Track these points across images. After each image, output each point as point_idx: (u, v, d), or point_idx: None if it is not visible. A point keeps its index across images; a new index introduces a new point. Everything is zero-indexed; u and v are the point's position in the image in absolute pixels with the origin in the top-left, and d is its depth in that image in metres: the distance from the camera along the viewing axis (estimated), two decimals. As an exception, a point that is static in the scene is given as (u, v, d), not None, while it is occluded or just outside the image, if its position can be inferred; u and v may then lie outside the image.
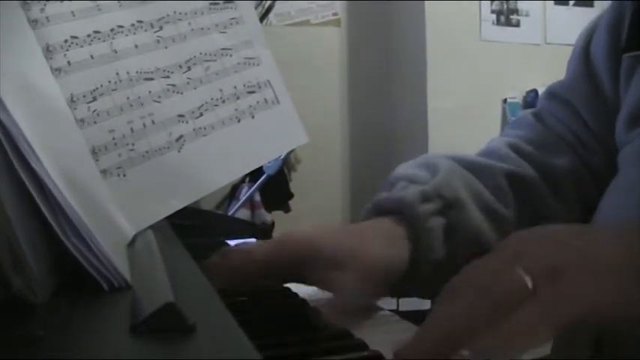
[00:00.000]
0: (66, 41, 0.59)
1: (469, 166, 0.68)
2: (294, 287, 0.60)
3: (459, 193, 0.64)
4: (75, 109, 0.58)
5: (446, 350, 0.37)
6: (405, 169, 0.69)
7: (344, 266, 0.54)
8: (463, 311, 0.38)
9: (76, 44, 0.60)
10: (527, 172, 0.70)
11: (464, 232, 0.63)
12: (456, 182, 0.65)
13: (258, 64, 0.74)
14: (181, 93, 0.66)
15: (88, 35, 0.61)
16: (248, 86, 0.72)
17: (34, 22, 0.57)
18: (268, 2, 2.55)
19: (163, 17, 0.67)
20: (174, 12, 0.68)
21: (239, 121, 0.70)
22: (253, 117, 0.71)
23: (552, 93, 0.77)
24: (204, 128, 0.67)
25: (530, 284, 0.37)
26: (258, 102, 0.72)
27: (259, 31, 0.76)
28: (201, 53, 0.69)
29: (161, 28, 0.67)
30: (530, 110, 0.79)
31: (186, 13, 0.69)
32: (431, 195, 0.62)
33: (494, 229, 0.65)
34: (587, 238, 0.42)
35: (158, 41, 0.66)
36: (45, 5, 0.58)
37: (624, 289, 0.38)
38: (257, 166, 0.75)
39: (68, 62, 0.59)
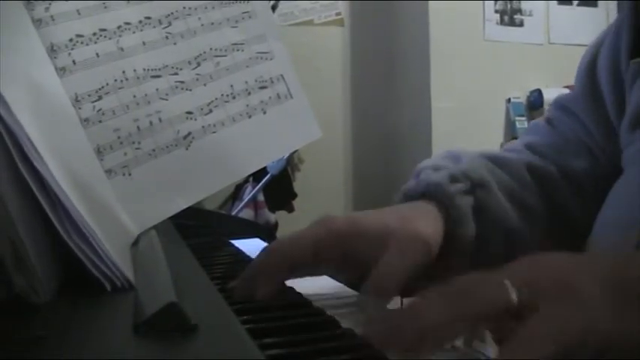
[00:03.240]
0: (71, 40, 0.59)
1: (492, 158, 0.70)
2: (296, 287, 0.60)
3: (485, 177, 0.65)
4: (79, 108, 0.58)
5: (409, 335, 0.37)
6: (429, 161, 0.70)
7: (388, 244, 0.54)
8: (437, 305, 0.38)
9: (82, 43, 0.60)
10: (547, 166, 0.71)
11: (491, 213, 0.64)
12: (481, 168, 0.66)
13: (271, 59, 0.72)
14: (190, 90, 0.66)
15: (94, 33, 0.61)
16: (260, 81, 0.71)
17: (38, 22, 0.57)
18: (272, 2, 2.55)
19: (172, 13, 0.67)
20: (184, 7, 0.67)
21: (250, 117, 0.69)
22: (265, 112, 0.70)
23: (560, 104, 0.79)
24: (214, 125, 0.66)
25: (514, 297, 0.37)
26: (270, 97, 0.71)
27: (273, 25, 0.74)
28: (211, 49, 0.68)
29: (170, 24, 0.66)
30: (541, 118, 0.81)
31: (196, 8, 0.68)
32: (459, 176, 0.64)
33: (520, 216, 0.67)
34: (586, 267, 0.42)
35: (167, 37, 0.66)
36: (50, 4, 0.58)
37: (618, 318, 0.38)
38: (269, 163, 0.75)
39: (73, 61, 0.59)
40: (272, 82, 0.72)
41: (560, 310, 0.37)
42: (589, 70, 0.74)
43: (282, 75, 0.72)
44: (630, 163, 0.64)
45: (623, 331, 0.38)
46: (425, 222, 0.60)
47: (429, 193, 0.63)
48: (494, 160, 0.70)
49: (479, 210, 0.64)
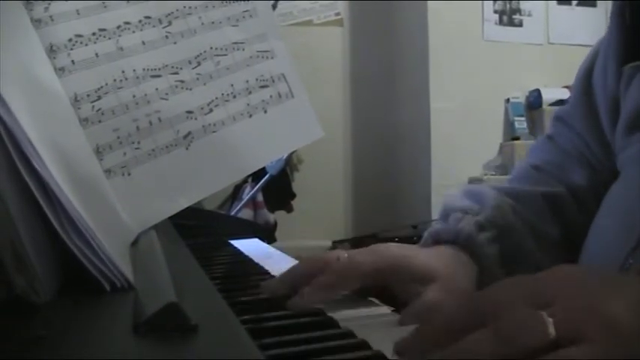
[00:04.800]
0: (70, 40, 0.59)
1: (510, 193, 0.72)
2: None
3: (511, 221, 0.68)
4: (79, 108, 0.58)
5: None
6: (453, 200, 0.72)
7: (429, 282, 0.58)
8: (474, 346, 0.37)
9: (81, 43, 0.60)
10: (559, 190, 0.73)
11: (518, 257, 0.67)
12: (505, 211, 0.69)
13: (272, 58, 0.72)
14: (190, 89, 0.66)
15: (93, 33, 0.61)
16: (261, 80, 0.71)
17: (37, 22, 0.57)
18: (271, 2, 2.55)
19: (172, 12, 0.66)
20: (184, 7, 0.67)
21: (251, 116, 0.69)
22: (266, 112, 0.70)
23: (558, 117, 0.80)
24: (214, 125, 0.66)
25: (553, 332, 0.36)
26: (271, 96, 0.71)
27: (273, 24, 0.74)
28: (211, 48, 0.68)
29: (170, 23, 0.66)
30: (543, 135, 0.83)
31: (196, 7, 0.68)
32: (485, 225, 0.66)
33: (542, 249, 0.69)
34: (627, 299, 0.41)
35: (167, 37, 0.65)
36: (49, 4, 0.58)
37: None
38: (270, 162, 0.75)
39: (72, 61, 0.59)
40: (273, 81, 0.72)
41: (599, 346, 0.36)
42: (585, 79, 0.74)
43: (283, 74, 0.72)
44: (625, 166, 0.65)
45: None
46: (463, 270, 0.63)
47: (460, 242, 0.65)
48: (513, 195, 0.72)
49: (506, 255, 0.66)
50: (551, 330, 0.36)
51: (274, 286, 0.58)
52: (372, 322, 0.53)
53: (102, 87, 0.60)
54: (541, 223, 0.70)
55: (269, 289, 0.58)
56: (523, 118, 3.03)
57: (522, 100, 3.08)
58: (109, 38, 0.62)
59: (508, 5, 3.06)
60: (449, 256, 0.64)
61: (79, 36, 0.60)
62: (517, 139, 2.98)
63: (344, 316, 0.53)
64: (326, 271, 0.57)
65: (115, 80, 0.61)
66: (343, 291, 0.59)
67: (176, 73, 0.65)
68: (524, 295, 0.40)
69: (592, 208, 0.71)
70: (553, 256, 0.69)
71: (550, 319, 0.36)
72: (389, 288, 0.60)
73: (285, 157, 2.50)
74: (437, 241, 0.67)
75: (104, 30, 0.62)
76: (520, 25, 3.08)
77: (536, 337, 0.36)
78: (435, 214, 2.49)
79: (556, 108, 0.83)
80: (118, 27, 0.63)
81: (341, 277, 0.57)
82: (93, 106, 0.59)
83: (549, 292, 0.39)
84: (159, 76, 0.64)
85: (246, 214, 2.69)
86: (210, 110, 0.66)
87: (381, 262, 0.58)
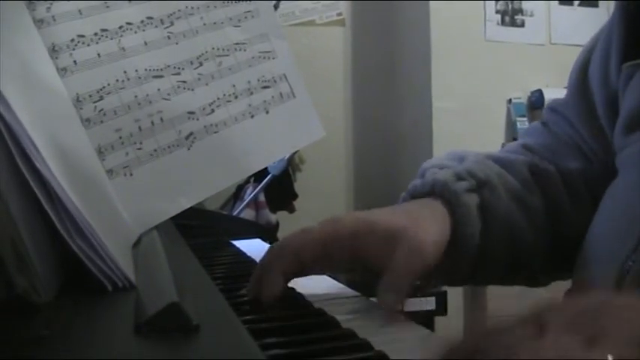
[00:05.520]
0: (72, 40, 0.59)
1: (495, 159, 0.71)
2: (297, 287, 0.60)
3: (490, 176, 0.66)
4: (81, 108, 0.58)
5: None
6: (433, 160, 0.71)
7: (398, 241, 0.55)
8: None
9: (83, 43, 0.60)
10: (546, 165, 0.72)
11: (496, 212, 0.65)
12: (485, 168, 0.67)
13: (273, 58, 0.72)
14: (192, 89, 0.66)
15: (95, 34, 0.61)
16: (262, 81, 0.71)
17: (39, 22, 0.57)
18: (273, 2, 2.55)
19: (174, 13, 0.66)
20: (186, 7, 0.67)
21: (252, 116, 0.69)
22: (268, 112, 0.70)
23: (553, 108, 0.80)
24: (216, 125, 0.66)
25: None
26: (273, 96, 0.71)
27: (275, 24, 0.74)
28: (213, 48, 0.68)
29: (172, 23, 0.66)
30: (538, 121, 0.82)
31: (198, 8, 0.68)
32: (464, 175, 0.65)
33: (523, 215, 0.67)
34: None
35: (169, 37, 0.65)
36: (51, 5, 0.58)
37: None
38: (272, 162, 0.75)
39: (74, 61, 0.59)
40: (275, 81, 0.72)
41: None
42: (581, 74, 0.74)
43: (284, 74, 0.72)
44: (625, 165, 0.64)
45: None
46: (433, 221, 0.60)
47: (436, 192, 0.63)
48: (497, 160, 0.71)
49: (484, 208, 0.65)
50: None
51: (252, 291, 0.57)
52: (375, 322, 0.53)
53: (104, 87, 0.60)
54: (524, 189, 0.69)
55: (252, 297, 0.56)
56: (525, 119, 3.02)
57: (524, 100, 3.07)
58: (111, 38, 0.62)
59: (510, 5, 3.05)
60: (418, 208, 0.62)
61: (81, 36, 0.60)
62: (518, 139, 2.98)
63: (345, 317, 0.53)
64: (278, 257, 0.56)
65: (117, 80, 0.61)
66: (302, 272, 0.58)
67: (178, 74, 0.65)
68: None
69: (582, 194, 0.71)
70: (536, 225, 0.68)
71: None
72: (363, 261, 0.58)
73: (287, 157, 2.49)
74: (414, 195, 0.65)
75: (106, 30, 0.62)
76: (522, 25, 3.07)
77: None
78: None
79: (552, 100, 0.83)
80: (120, 27, 0.63)
81: (299, 248, 0.56)
82: (95, 107, 0.59)
83: (600, 332, 0.29)
84: (161, 76, 0.64)
85: (248, 214, 2.69)
86: (212, 110, 0.66)
87: (338, 230, 0.57)
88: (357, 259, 0.58)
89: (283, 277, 0.56)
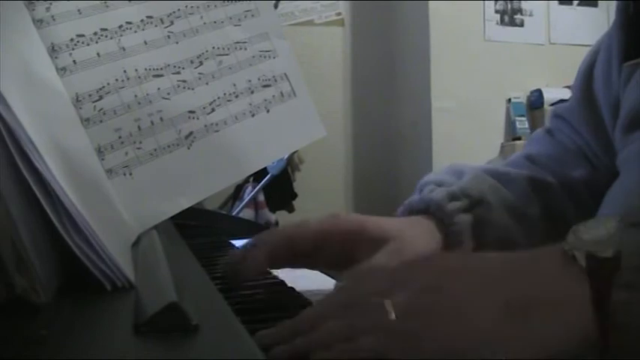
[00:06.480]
0: (72, 40, 0.59)
1: (493, 174, 0.72)
2: (296, 287, 0.60)
3: (485, 194, 0.68)
4: (80, 108, 0.58)
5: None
6: (432, 175, 0.72)
7: (381, 244, 0.58)
8: (326, 335, 0.38)
9: (82, 43, 0.60)
10: (546, 177, 0.73)
11: (491, 229, 0.66)
12: (481, 185, 0.69)
13: (274, 57, 0.72)
14: (192, 89, 0.66)
15: (95, 33, 0.61)
16: (263, 80, 0.71)
17: (39, 22, 0.57)
18: (272, 2, 2.55)
19: (174, 12, 0.66)
20: (186, 6, 0.67)
21: (253, 115, 0.69)
22: (268, 111, 0.70)
23: (557, 114, 0.80)
24: (216, 124, 0.66)
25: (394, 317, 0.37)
26: (273, 95, 0.71)
27: (276, 23, 0.74)
28: (213, 47, 0.68)
29: (172, 23, 0.66)
30: (542, 128, 0.83)
31: (198, 7, 0.68)
32: (458, 194, 0.66)
33: (522, 229, 0.68)
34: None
35: (169, 36, 0.65)
36: (51, 4, 0.58)
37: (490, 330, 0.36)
38: (272, 162, 0.76)
39: (74, 61, 0.59)
40: (275, 80, 0.72)
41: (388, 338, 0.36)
42: (586, 77, 0.74)
43: (285, 73, 0.72)
44: (625, 165, 0.64)
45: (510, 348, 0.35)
46: (422, 235, 0.63)
47: (430, 211, 0.65)
48: (495, 175, 0.71)
49: (478, 225, 0.66)
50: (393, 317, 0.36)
51: (234, 264, 0.58)
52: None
53: (104, 87, 0.60)
54: (520, 201, 0.70)
55: (232, 268, 0.57)
56: (524, 118, 3.02)
57: (524, 100, 3.07)
58: (111, 38, 0.62)
59: (509, 5, 3.05)
60: (412, 222, 0.64)
61: (81, 36, 0.60)
62: (518, 139, 2.98)
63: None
64: (271, 236, 0.58)
65: (116, 80, 0.61)
66: (292, 259, 0.59)
67: (178, 73, 0.65)
68: (384, 284, 0.40)
69: (587, 203, 0.71)
70: (535, 237, 0.68)
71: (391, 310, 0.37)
72: (351, 258, 0.60)
73: (286, 156, 2.49)
74: (410, 211, 0.67)
75: (106, 30, 0.62)
76: (521, 25, 3.07)
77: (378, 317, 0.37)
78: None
79: (555, 106, 0.83)
80: (120, 27, 0.63)
81: (293, 234, 0.58)
82: (95, 106, 0.59)
83: (412, 279, 0.39)
84: (161, 75, 0.64)
85: (248, 214, 2.69)
86: (213, 110, 0.66)
87: (333, 226, 0.59)
88: (346, 257, 0.60)
89: (269, 257, 0.56)
